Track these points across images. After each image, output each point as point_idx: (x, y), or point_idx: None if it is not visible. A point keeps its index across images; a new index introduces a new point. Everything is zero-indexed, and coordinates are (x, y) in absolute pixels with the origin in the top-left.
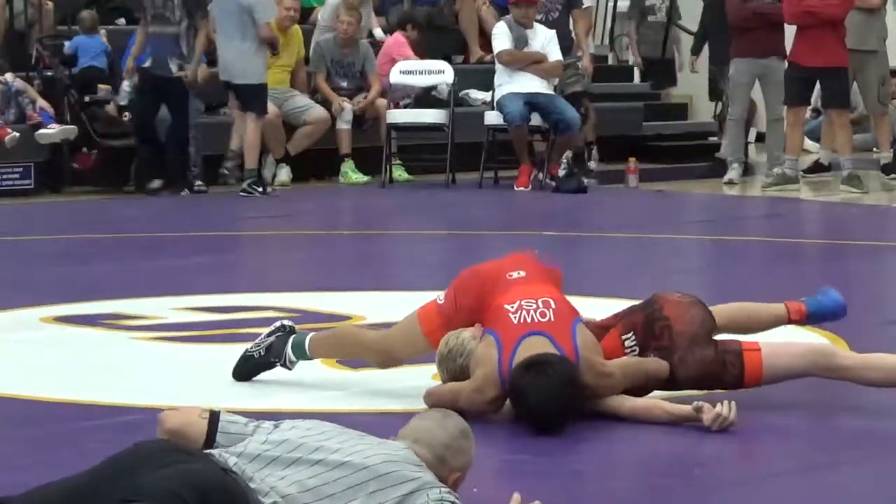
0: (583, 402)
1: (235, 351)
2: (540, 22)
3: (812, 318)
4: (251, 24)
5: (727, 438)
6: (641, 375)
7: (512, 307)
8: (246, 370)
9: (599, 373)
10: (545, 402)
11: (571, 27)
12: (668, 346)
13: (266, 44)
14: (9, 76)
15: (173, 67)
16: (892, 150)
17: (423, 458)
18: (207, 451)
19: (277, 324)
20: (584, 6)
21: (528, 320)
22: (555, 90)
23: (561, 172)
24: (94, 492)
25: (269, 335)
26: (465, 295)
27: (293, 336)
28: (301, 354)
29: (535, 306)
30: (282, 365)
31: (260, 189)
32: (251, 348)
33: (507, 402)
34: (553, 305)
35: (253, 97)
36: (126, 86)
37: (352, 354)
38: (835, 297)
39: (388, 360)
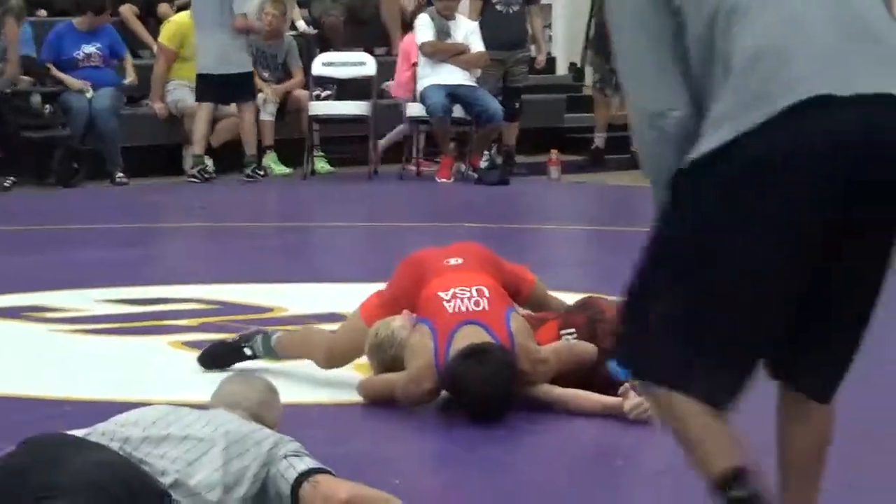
0: (518, 389)
1: (158, 343)
2: (501, 15)
3: None
4: (230, 14)
5: (650, 429)
6: (575, 359)
7: (446, 295)
8: (215, 355)
9: (535, 359)
10: (485, 391)
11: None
12: (610, 349)
13: (244, 32)
14: None
15: None
16: None
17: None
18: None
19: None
20: (541, 2)
21: (463, 309)
22: (504, 80)
23: (483, 164)
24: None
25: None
26: (403, 280)
27: (264, 334)
28: (268, 352)
29: (469, 294)
30: (249, 348)
31: (262, 173)
32: (231, 339)
33: (442, 391)
34: (487, 294)
35: (241, 86)
36: None
37: (303, 354)
38: None
39: (332, 357)
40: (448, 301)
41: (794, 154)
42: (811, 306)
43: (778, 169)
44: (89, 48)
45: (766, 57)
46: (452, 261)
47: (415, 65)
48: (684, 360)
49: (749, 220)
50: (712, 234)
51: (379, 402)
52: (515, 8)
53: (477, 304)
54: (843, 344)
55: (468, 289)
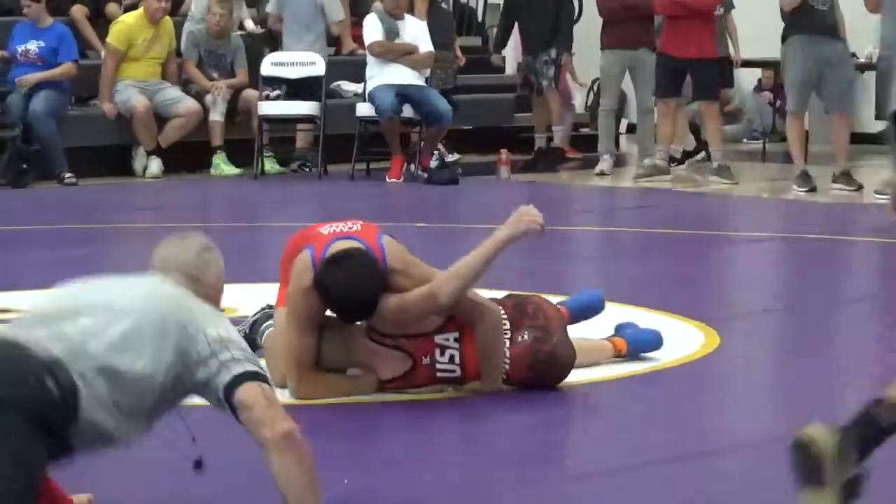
0: (390, 288)
1: None
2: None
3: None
4: (323, 21)
5: (595, 425)
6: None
7: (323, 228)
8: None
9: (407, 260)
10: (348, 291)
11: None
12: (544, 325)
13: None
14: None
15: None
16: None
17: (178, 283)
18: None
19: (263, 304)
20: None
21: (337, 230)
22: (428, 82)
23: (433, 164)
24: None
25: (255, 314)
26: (289, 256)
27: (270, 321)
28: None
29: (344, 225)
30: (259, 336)
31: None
32: (239, 328)
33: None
34: (360, 226)
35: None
36: None
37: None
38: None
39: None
40: (324, 228)
41: None
42: None
43: None
44: (31, 44)
45: None
46: (327, 225)
47: None
48: None
49: None
50: None
51: (320, 400)
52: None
53: (351, 227)
54: None
55: (343, 224)
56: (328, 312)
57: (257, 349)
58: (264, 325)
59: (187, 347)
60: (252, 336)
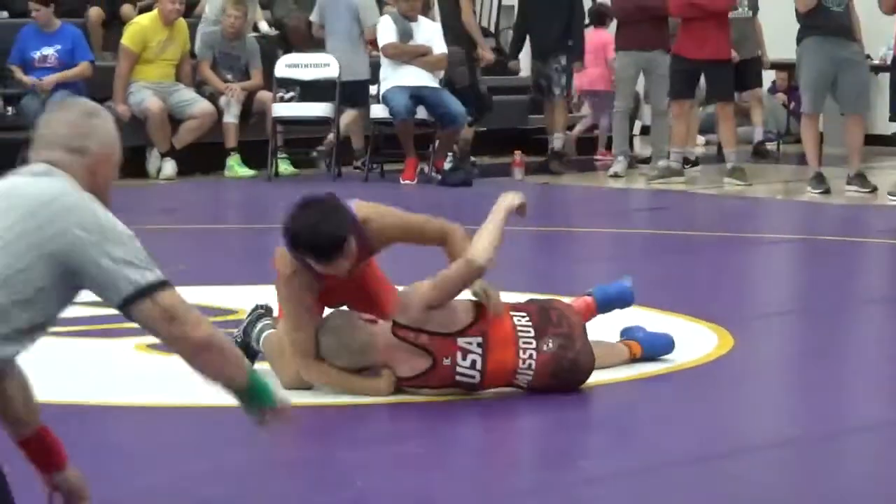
0: (363, 236)
1: (123, 345)
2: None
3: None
4: (359, 25)
5: (609, 427)
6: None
7: None
8: None
9: (382, 212)
10: (315, 226)
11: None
12: (567, 333)
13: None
14: None
15: None
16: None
17: (59, 162)
18: None
19: (254, 305)
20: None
21: None
22: (475, 80)
23: (447, 165)
24: None
25: (247, 317)
26: None
27: (262, 322)
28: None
29: None
30: (256, 342)
31: (374, 166)
32: (235, 334)
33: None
34: None
35: (358, 92)
36: None
37: (272, 365)
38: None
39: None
40: None
41: None
42: None
43: None
44: (47, 49)
45: None
46: None
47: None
48: None
49: None
50: None
51: (335, 400)
52: None
53: None
54: None
55: None
56: (324, 307)
57: (256, 354)
58: (258, 327)
59: (67, 258)
60: (247, 341)
